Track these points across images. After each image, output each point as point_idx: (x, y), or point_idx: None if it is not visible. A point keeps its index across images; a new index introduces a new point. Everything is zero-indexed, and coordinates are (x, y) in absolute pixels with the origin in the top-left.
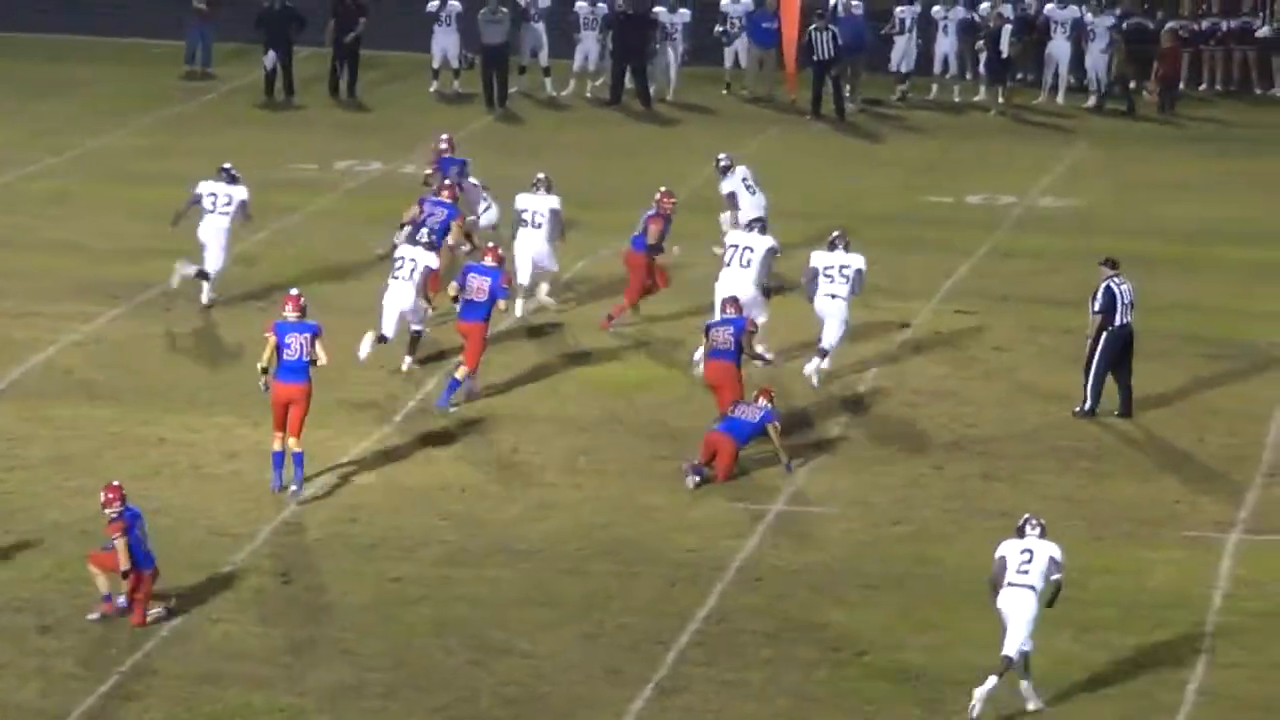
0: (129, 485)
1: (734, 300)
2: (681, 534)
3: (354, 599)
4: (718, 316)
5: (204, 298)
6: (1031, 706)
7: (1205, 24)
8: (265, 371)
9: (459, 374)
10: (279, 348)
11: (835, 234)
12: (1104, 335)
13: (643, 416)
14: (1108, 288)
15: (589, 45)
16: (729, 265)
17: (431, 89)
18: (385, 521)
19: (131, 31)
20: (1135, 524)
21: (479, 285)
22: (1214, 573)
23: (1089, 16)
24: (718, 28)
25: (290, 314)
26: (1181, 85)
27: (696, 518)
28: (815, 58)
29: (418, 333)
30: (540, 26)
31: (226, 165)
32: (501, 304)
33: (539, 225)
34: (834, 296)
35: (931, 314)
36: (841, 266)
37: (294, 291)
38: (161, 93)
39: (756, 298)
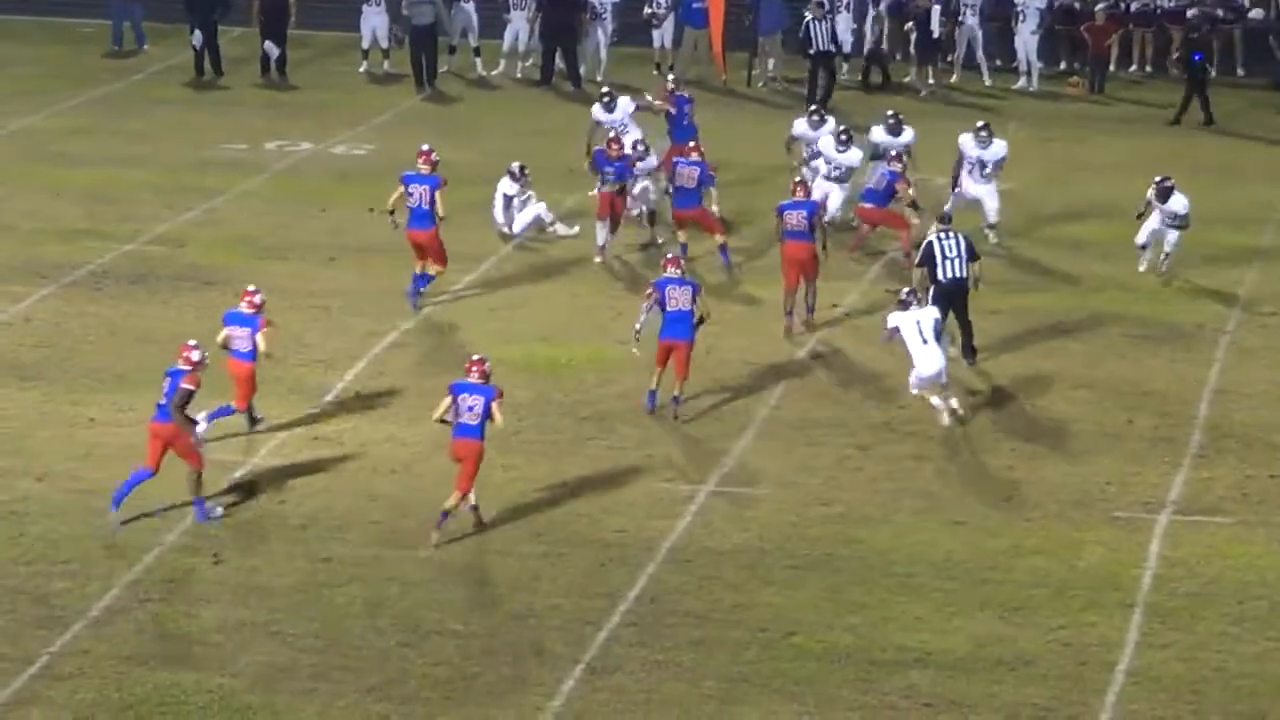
0: (58, 466)
1: (803, 183)
2: (611, 515)
3: (285, 579)
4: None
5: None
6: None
7: (1135, 5)
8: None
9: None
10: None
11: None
12: (930, 290)
13: (570, 396)
14: (928, 243)
15: (519, 25)
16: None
17: (361, 69)
18: (316, 502)
19: (58, 10)
20: (1065, 505)
21: (689, 174)
22: (1144, 553)
23: None
24: (646, 9)
25: (243, 307)
26: (1111, 67)
27: (626, 498)
28: (812, 50)
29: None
30: (470, 6)
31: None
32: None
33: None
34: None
35: (860, 294)
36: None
37: (251, 288)
38: (89, 73)
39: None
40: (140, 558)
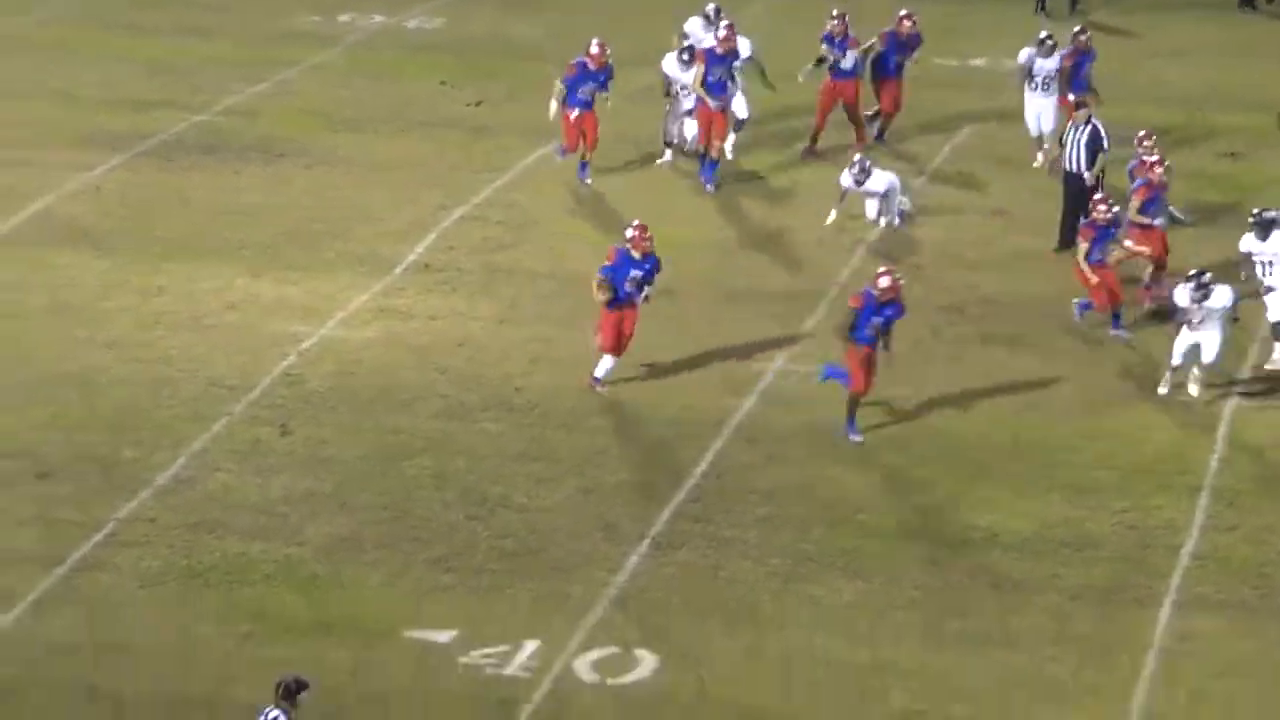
0: (128, 335)
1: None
2: (679, 392)
3: (353, 452)
4: None
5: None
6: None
7: None
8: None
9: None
10: None
11: None
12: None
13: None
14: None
15: None
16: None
17: None
18: (384, 375)
19: None
20: (1134, 389)
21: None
22: (1211, 438)
23: None
24: None
25: None
26: None
27: (694, 376)
28: None
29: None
30: None
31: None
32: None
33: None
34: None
35: (927, 180)
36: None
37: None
38: None
39: None
40: (209, 427)
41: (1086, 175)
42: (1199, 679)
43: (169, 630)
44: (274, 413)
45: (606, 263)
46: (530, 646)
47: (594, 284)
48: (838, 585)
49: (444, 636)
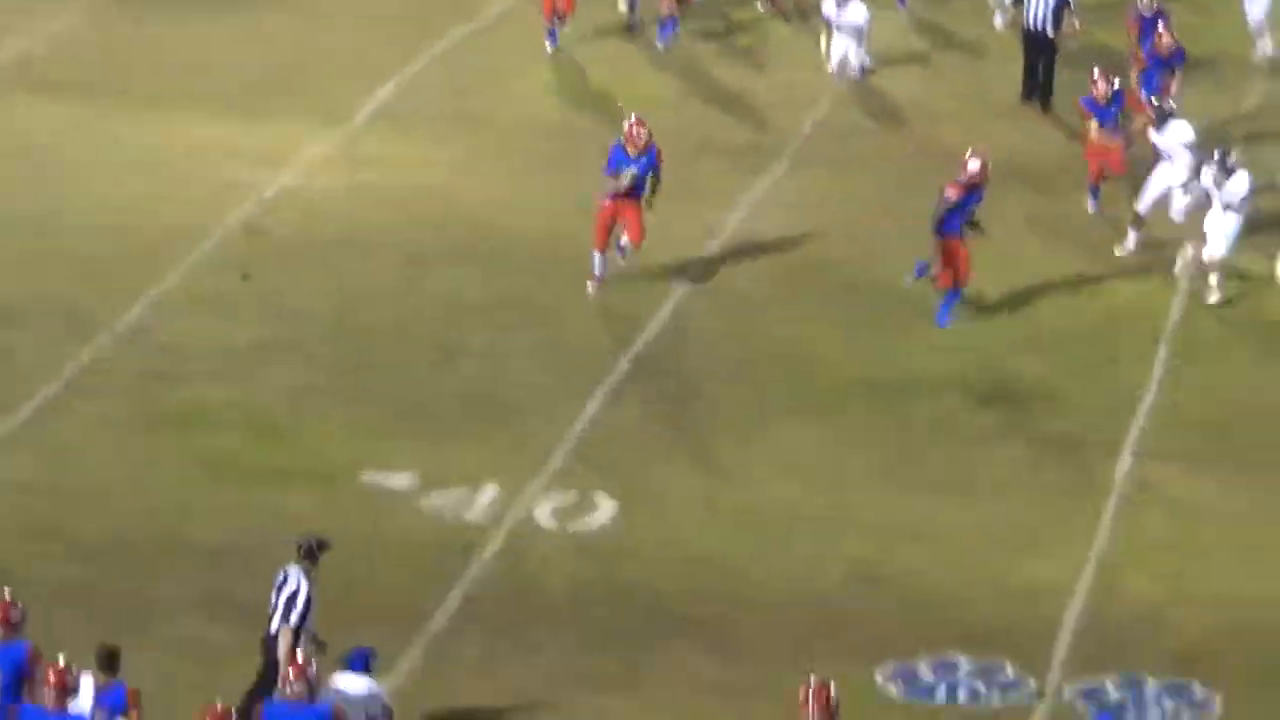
0: (89, 181)
1: None
2: (647, 241)
3: (313, 299)
4: None
5: None
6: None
7: None
8: None
9: None
10: None
11: None
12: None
13: (604, 124)
14: None
15: None
16: None
17: None
18: (346, 223)
19: None
20: (1097, 238)
21: None
22: (1172, 290)
23: None
24: None
25: None
26: None
27: (655, 227)
28: None
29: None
30: None
31: None
32: None
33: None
34: None
35: (893, 29)
36: None
37: None
38: None
39: None
40: (167, 274)
41: (1051, 34)
42: (1158, 527)
43: (127, 475)
44: (234, 260)
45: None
46: (490, 492)
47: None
48: (797, 434)
49: (404, 482)
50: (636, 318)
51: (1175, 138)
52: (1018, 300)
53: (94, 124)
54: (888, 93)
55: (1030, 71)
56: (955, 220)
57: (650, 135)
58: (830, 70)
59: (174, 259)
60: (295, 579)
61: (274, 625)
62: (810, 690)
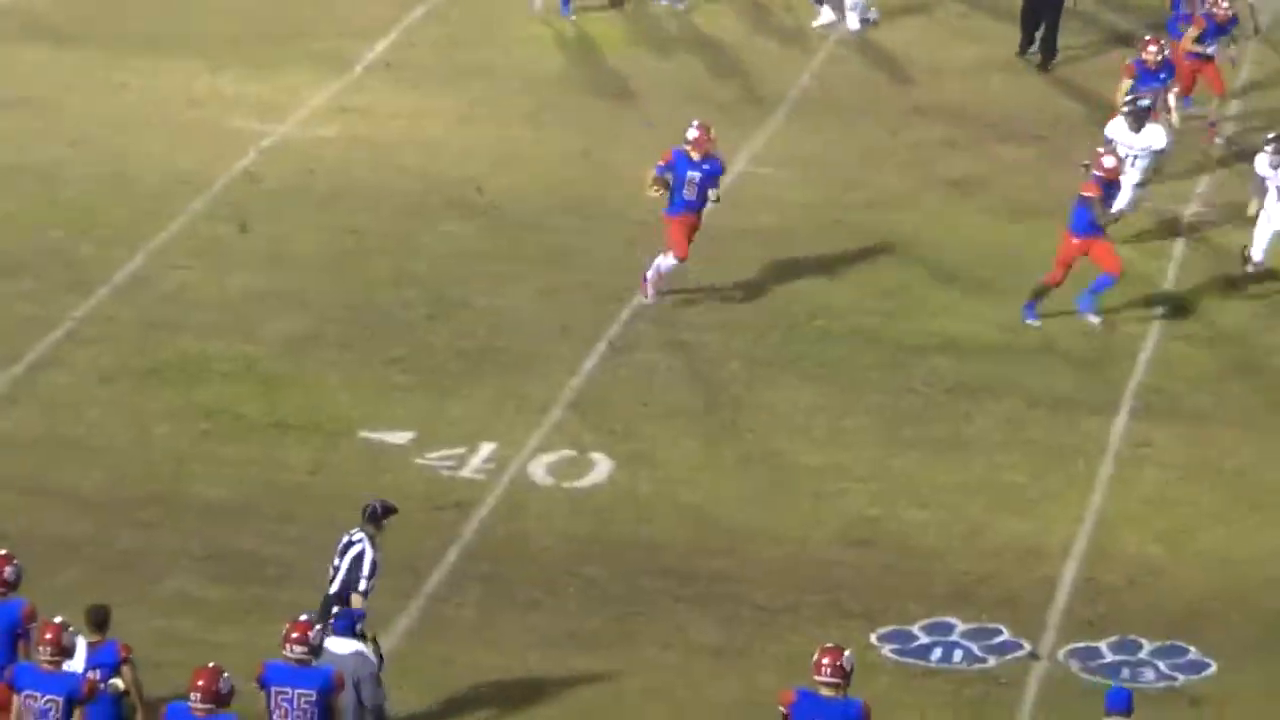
0: (89, 131)
1: None
2: (643, 193)
3: (312, 251)
4: None
5: None
6: None
7: None
8: None
9: None
10: None
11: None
12: None
13: (602, 76)
14: None
15: None
16: None
17: None
18: (344, 174)
19: None
20: None
21: None
22: (1170, 245)
23: None
24: None
25: None
26: None
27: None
28: None
29: None
30: None
31: None
32: None
33: None
34: None
35: None
36: None
37: None
38: None
39: None
40: (168, 225)
41: None
42: (1154, 484)
43: (126, 427)
44: (233, 211)
45: (661, 162)
46: (486, 449)
47: (647, 180)
48: (795, 389)
49: (401, 437)
50: (635, 269)
51: (1147, 140)
52: (1014, 252)
53: (93, 74)
54: (885, 45)
55: (1027, 25)
56: (1085, 218)
57: (714, 143)
58: (819, 24)
59: (174, 209)
60: (361, 543)
61: (333, 587)
62: (824, 653)
